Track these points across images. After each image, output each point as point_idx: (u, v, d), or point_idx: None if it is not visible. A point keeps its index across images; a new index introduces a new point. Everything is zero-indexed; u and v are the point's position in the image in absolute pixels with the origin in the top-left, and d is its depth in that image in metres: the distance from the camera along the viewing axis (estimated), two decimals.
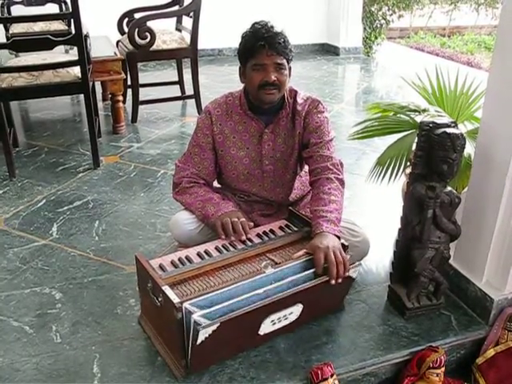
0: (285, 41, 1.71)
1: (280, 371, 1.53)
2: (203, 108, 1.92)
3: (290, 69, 1.78)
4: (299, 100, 1.84)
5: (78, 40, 2.62)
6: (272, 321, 1.51)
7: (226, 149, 1.88)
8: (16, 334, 1.68)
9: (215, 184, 2.03)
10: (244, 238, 1.70)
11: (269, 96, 1.74)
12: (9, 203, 2.53)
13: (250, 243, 1.69)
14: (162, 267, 1.56)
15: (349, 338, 1.67)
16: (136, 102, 3.62)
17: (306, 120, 1.83)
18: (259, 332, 1.53)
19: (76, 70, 2.74)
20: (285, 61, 1.72)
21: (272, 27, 1.72)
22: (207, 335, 1.34)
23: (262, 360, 1.57)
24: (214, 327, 1.34)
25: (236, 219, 1.72)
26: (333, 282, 1.52)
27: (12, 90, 2.66)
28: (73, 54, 2.84)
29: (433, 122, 1.61)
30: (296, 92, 1.86)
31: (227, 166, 1.90)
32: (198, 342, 1.34)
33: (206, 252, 1.64)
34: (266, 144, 1.86)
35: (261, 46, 1.68)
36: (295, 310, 1.56)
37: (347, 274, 1.55)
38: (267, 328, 1.53)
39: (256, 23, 1.74)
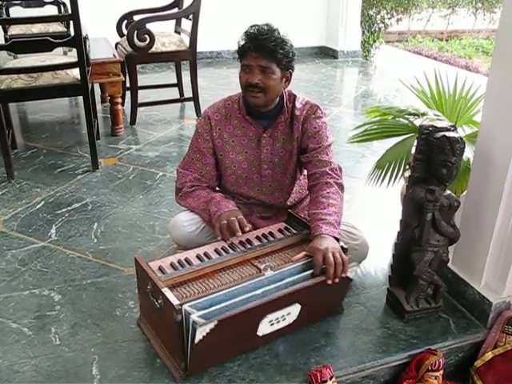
0: (276, 44, 1.66)
1: (279, 373, 1.53)
2: (202, 112, 1.92)
3: (290, 74, 1.76)
4: (298, 105, 1.84)
5: (78, 42, 2.62)
6: (270, 321, 1.52)
7: (226, 153, 1.88)
8: (15, 335, 1.68)
9: None
10: (240, 233, 1.67)
11: (253, 99, 1.72)
12: (7, 205, 2.53)
13: (249, 246, 1.70)
14: (161, 269, 1.56)
15: (348, 341, 1.67)
16: (135, 104, 3.62)
17: (304, 125, 1.82)
18: (258, 333, 1.53)
19: (75, 72, 2.75)
20: (273, 64, 1.68)
21: (268, 30, 1.69)
22: (205, 334, 1.34)
23: (261, 362, 1.57)
24: (212, 325, 1.34)
25: (233, 218, 1.69)
26: (329, 281, 1.52)
27: (11, 92, 2.66)
28: (72, 56, 2.84)
29: (432, 126, 1.62)
30: (295, 96, 1.85)
31: (226, 170, 1.90)
32: (196, 341, 1.35)
33: (206, 254, 1.65)
34: (264, 148, 1.86)
35: (247, 48, 1.68)
36: (293, 311, 1.56)
37: (344, 274, 1.56)
38: (266, 329, 1.53)
39: (253, 25, 1.73)
